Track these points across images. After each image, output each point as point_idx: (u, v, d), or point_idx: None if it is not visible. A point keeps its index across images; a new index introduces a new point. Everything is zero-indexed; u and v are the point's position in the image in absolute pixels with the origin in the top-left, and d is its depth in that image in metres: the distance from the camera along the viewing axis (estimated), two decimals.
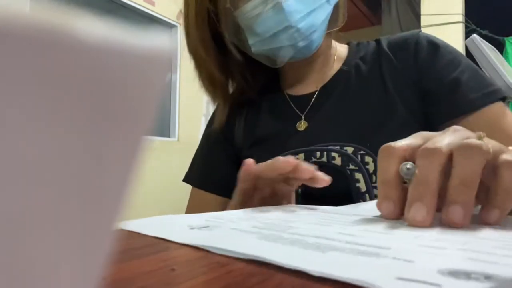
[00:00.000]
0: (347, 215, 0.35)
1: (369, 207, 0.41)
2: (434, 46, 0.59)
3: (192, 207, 0.69)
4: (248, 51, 0.62)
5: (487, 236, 0.23)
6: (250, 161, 0.42)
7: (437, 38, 0.62)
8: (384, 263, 0.17)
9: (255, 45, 0.60)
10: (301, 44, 0.57)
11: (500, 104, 0.54)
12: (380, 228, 0.27)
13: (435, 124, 0.55)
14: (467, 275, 0.15)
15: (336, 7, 0.61)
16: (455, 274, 0.15)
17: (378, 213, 0.35)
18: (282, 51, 0.59)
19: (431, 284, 0.14)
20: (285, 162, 0.38)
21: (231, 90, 0.71)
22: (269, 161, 0.40)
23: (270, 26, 0.56)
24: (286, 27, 0.55)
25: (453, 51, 0.59)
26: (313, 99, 0.63)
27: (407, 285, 0.14)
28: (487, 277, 0.15)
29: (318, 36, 0.58)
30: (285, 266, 0.18)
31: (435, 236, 0.23)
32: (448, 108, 0.55)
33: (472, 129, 0.33)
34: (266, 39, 0.58)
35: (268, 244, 0.22)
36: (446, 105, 0.55)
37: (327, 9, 0.58)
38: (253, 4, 0.56)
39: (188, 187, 0.72)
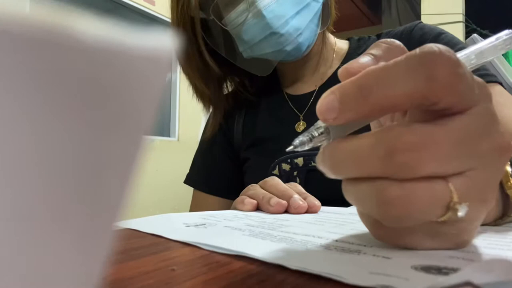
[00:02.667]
0: (345, 214, 0.35)
1: None
2: (426, 35, 0.58)
3: (195, 209, 0.69)
4: (240, 59, 0.62)
5: (476, 236, 0.23)
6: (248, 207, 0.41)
7: (433, 26, 0.61)
8: (362, 259, 0.18)
9: (246, 52, 0.60)
10: (288, 48, 0.56)
11: (498, 86, 0.52)
12: None
13: None
14: (438, 270, 0.16)
15: (326, 3, 0.60)
16: (427, 269, 0.16)
17: None
18: (270, 56, 0.59)
19: (400, 277, 0.15)
20: (278, 206, 0.38)
21: (230, 88, 0.71)
22: (264, 201, 0.39)
23: (255, 34, 0.56)
24: (270, 34, 0.55)
25: (446, 38, 0.58)
26: (311, 99, 0.63)
27: (376, 278, 0.15)
28: (456, 271, 0.15)
29: (307, 37, 0.58)
30: (266, 261, 0.18)
31: None
32: None
33: None
34: (253, 46, 0.58)
35: (256, 241, 0.23)
36: None
37: (315, 8, 0.57)
38: (236, 13, 0.56)
39: (189, 187, 0.72)
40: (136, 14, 2.14)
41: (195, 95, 0.67)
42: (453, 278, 0.13)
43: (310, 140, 0.19)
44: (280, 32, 0.55)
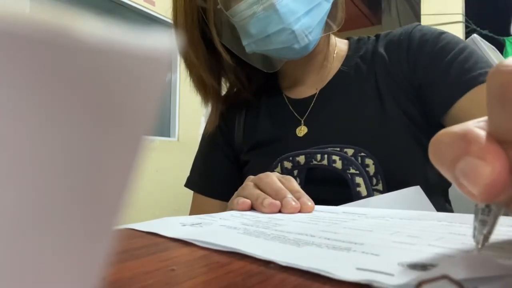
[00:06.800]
0: (339, 213, 0.36)
1: (375, 203, 0.41)
2: (426, 36, 0.57)
3: (195, 212, 0.68)
4: (242, 53, 0.60)
5: (462, 232, 0.23)
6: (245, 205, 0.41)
7: (433, 28, 0.60)
8: (351, 256, 0.18)
9: (249, 46, 0.58)
10: (297, 46, 0.55)
11: None
12: (363, 226, 0.27)
13: (439, 115, 0.53)
14: (423, 267, 0.16)
15: (334, 3, 0.59)
16: (413, 266, 0.16)
17: (381, 211, 0.36)
18: (277, 53, 0.58)
19: (386, 273, 0.15)
20: (272, 207, 0.38)
21: (225, 90, 0.70)
22: (258, 202, 0.39)
23: (264, 28, 0.54)
24: (281, 29, 0.53)
25: (447, 38, 0.57)
26: (312, 103, 0.62)
27: (363, 274, 0.15)
28: (437, 267, 0.15)
29: (315, 37, 0.57)
30: (259, 257, 0.19)
31: (411, 233, 0.24)
32: (448, 91, 0.52)
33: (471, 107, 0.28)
34: (260, 40, 0.56)
35: (249, 238, 0.24)
36: (444, 89, 0.53)
37: (325, 7, 0.57)
38: (246, 4, 0.54)
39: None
40: (136, 14, 2.14)
41: (195, 88, 0.66)
42: (432, 273, 0.14)
43: (488, 233, 0.16)
44: (291, 28, 0.53)
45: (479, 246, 0.16)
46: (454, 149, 0.14)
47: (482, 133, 0.14)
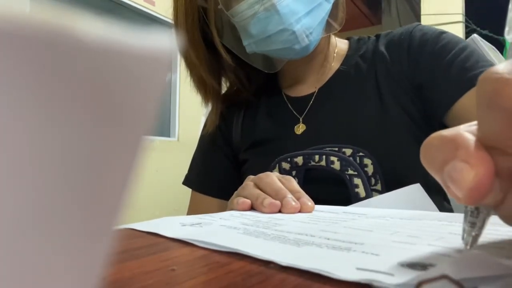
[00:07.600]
0: (339, 213, 0.36)
1: (376, 203, 0.41)
2: (427, 35, 0.57)
3: (193, 210, 0.68)
4: (243, 53, 0.61)
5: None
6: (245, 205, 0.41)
7: (433, 28, 0.60)
8: (351, 256, 0.18)
9: (250, 46, 0.58)
10: (297, 47, 0.55)
11: None
12: (363, 226, 0.27)
13: (440, 114, 0.53)
14: (423, 267, 0.16)
15: (335, 4, 0.59)
16: (413, 266, 0.16)
17: (380, 211, 0.35)
18: (277, 53, 0.58)
19: (386, 273, 0.15)
20: (272, 207, 0.38)
21: (225, 89, 0.70)
22: (258, 202, 0.39)
23: (265, 28, 0.54)
24: (281, 29, 0.53)
25: (447, 37, 0.57)
26: (311, 101, 0.62)
27: (363, 273, 0.15)
28: (436, 266, 0.15)
29: (316, 37, 0.57)
30: (259, 258, 0.19)
31: (411, 232, 0.24)
32: (449, 90, 0.52)
33: (472, 106, 0.29)
34: (260, 41, 0.56)
35: (249, 238, 0.24)
36: (445, 88, 0.53)
37: (326, 8, 0.56)
38: (247, 4, 0.54)
39: (188, 188, 0.72)
40: (136, 14, 2.14)
41: (195, 88, 0.65)
42: (431, 273, 0.14)
43: (476, 235, 0.16)
44: (292, 29, 0.53)
45: (468, 247, 0.17)
46: (443, 153, 0.15)
47: (471, 138, 0.14)
